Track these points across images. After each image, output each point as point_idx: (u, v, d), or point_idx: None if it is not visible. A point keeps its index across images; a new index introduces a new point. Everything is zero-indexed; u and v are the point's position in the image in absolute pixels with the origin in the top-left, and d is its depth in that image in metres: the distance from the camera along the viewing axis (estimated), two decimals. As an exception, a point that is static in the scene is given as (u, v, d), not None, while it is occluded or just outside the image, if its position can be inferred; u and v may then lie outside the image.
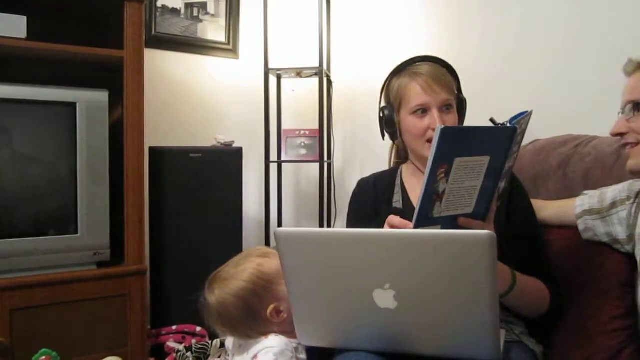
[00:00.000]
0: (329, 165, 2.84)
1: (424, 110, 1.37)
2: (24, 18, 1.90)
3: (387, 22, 2.72)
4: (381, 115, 1.46)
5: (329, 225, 2.78)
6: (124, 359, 1.92)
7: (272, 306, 1.22)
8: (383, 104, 1.49)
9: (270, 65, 2.67)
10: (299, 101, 3.00)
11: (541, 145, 1.77)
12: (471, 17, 2.32)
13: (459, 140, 1.04)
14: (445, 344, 1.04)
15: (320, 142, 2.69)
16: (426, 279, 0.97)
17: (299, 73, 2.75)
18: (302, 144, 2.76)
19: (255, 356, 1.20)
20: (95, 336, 2.02)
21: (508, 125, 1.13)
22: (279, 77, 2.86)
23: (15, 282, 1.88)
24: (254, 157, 2.83)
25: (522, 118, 1.14)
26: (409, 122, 1.39)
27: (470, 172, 1.08)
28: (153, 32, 2.66)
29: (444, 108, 1.37)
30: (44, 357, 1.78)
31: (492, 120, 2.10)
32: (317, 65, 2.61)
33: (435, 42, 2.47)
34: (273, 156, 2.76)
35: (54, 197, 2.01)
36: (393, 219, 1.17)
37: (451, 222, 1.12)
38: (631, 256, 1.36)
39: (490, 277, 0.93)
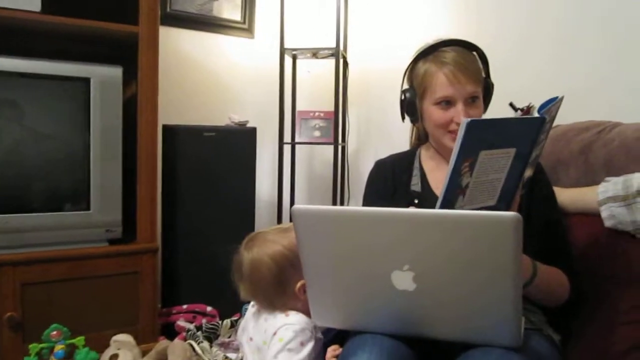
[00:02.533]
0: (343, 147, 2.81)
1: (448, 102, 1.32)
2: (39, -10, 1.88)
3: (404, 3, 2.67)
4: (402, 97, 1.42)
5: (341, 209, 2.76)
6: (134, 336, 1.92)
7: (302, 281, 1.22)
8: (405, 86, 1.44)
9: (286, 45, 2.63)
10: (314, 82, 2.97)
11: (562, 131, 1.72)
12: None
13: (484, 133, 1.00)
14: (464, 328, 1.02)
15: (335, 124, 2.65)
16: (447, 261, 0.94)
17: (314, 54, 2.72)
18: (317, 126, 2.73)
19: (274, 332, 1.20)
20: (105, 313, 2.02)
21: (534, 111, 1.09)
22: (294, 58, 2.83)
23: (27, 256, 1.88)
24: (267, 137, 2.80)
25: (552, 105, 1.09)
26: (432, 112, 1.35)
27: (495, 165, 1.05)
28: (168, 9, 2.63)
29: (470, 100, 1.32)
30: (54, 332, 1.79)
31: (511, 104, 2.07)
32: (334, 46, 2.57)
33: (452, 24, 2.43)
34: (287, 137, 2.74)
35: (66, 172, 2.00)
36: None
37: None
38: (655, 245, 1.32)
39: (514, 260, 0.90)
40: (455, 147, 0.98)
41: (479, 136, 0.99)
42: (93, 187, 1.99)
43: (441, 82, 1.31)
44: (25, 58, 1.88)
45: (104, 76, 1.98)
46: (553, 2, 2.01)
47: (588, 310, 1.37)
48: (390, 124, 2.71)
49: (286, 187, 2.80)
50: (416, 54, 1.39)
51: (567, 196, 1.52)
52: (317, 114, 2.74)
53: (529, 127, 1.06)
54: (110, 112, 2.00)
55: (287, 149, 2.79)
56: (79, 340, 1.83)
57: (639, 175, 1.37)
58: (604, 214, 1.40)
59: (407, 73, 1.43)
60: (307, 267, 1.07)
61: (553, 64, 2.01)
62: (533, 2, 2.08)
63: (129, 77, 2.09)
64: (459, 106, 1.30)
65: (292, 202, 2.89)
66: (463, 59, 1.32)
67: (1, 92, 1.87)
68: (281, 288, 1.24)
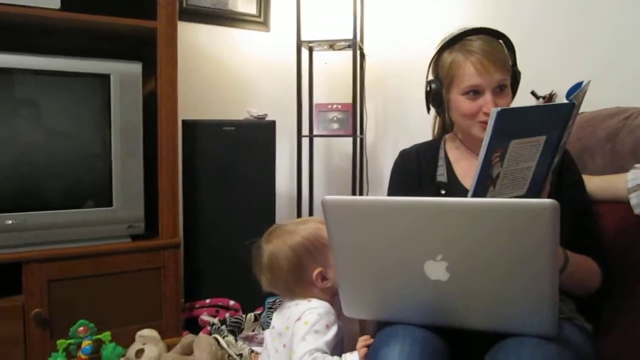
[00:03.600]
0: (362, 139, 2.80)
1: (476, 92, 1.30)
2: (58, -13, 1.88)
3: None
4: (428, 89, 1.40)
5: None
6: (158, 331, 1.93)
7: (319, 269, 1.28)
8: (431, 76, 1.42)
9: (302, 38, 2.62)
10: (332, 74, 2.95)
11: (587, 118, 1.70)
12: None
13: (515, 122, 0.99)
14: (498, 317, 1.01)
15: (353, 117, 2.64)
16: (481, 250, 0.93)
17: (331, 45, 2.70)
18: (335, 118, 2.72)
19: (298, 318, 1.23)
20: (130, 308, 2.03)
21: (556, 99, 1.07)
22: (311, 50, 2.82)
23: (52, 253, 1.89)
24: (285, 131, 2.80)
25: (580, 90, 1.07)
26: (460, 103, 1.33)
27: (525, 154, 1.04)
28: (184, 4, 2.63)
29: (498, 89, 1.30)
30: (81, 328, 1.80)
31: (533, 92, 2.04)
32: (351, 37, 2.56)
33: (468, 12, 2.40)
34: (305, 130, 2.73)
35: (88, 169, 2.01)
36: None
37: None
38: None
39: (551, 248, 0.88)
40: (486, 137, 0.96)
41: (509, 125, 0.97)
42: (115, 184, 1.99)
43: (469, 71, 1.29)
44: (44, 55, 1.88)
45: (123, 72, 1.98)
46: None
47: (619, 298, 1.34)
48: (408, 114, 2.70)
49: (305, 180, 2.80)
50: (441, 44, 1.36)
51: (595, 184, 1.49)
52: (334, 106, 2.73)
53: (558, 114, 1.04)
54: (131, 108, 2.00)
55: (305, 141, 2.78)
56: (105, 335, 1.84)
57: (669, 161, 1.35)
58: (634, 201, 1.38)
59: (432, 64, 1.41)
60: (338, 258, 1.06)
61: (569, 48, 1.99)
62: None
63: (148, 73, 2.09)
64: (487, 95, 1.28)
65: (311, 195, 2.89)
66: (490, 47, 1.29)
67: (22, 91, 1.88)
68: (299, 276, 1.29)
